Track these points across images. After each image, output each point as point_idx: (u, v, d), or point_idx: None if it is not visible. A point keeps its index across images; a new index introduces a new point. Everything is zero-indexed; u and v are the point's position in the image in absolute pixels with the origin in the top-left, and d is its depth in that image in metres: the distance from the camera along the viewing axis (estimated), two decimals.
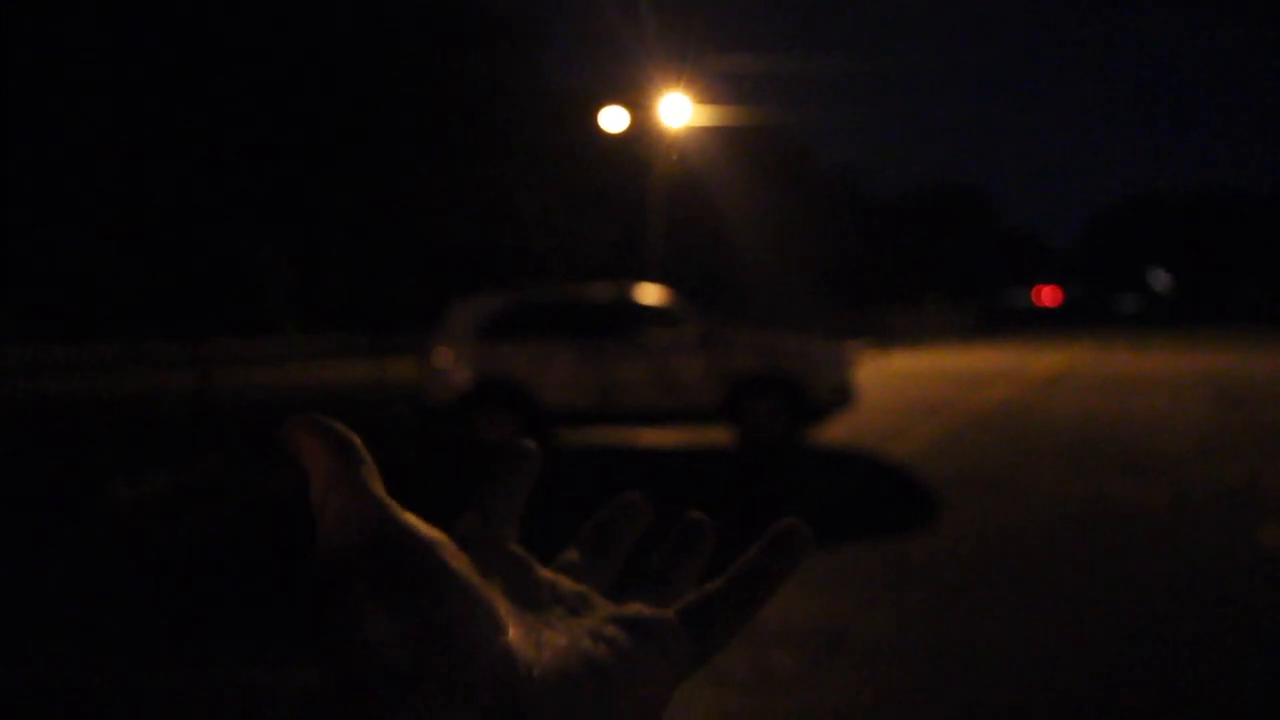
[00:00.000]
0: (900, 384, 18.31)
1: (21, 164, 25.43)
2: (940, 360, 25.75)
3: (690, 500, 0.50)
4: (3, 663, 4.43)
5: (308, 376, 19.30)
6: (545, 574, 0.39)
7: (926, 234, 67.18)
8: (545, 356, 10.43)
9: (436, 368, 10.54)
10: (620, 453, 10.60)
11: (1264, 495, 7.54)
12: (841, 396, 10.23)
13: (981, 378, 19.54)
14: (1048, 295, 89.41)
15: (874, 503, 7.74)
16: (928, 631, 4.63)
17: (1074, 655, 4.26)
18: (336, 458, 0.34)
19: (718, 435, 10.97)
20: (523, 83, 33.97)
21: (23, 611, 5.25)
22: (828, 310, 33.18)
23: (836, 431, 11.14)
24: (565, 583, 0.39)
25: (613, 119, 21.59)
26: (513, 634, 0.32)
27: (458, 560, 0.33)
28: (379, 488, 0.34)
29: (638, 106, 21.01)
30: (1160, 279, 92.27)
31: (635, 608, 0.37)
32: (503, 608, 0.34)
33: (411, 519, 0.34)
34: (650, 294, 10.89)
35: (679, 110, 19.06)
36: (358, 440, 0.35)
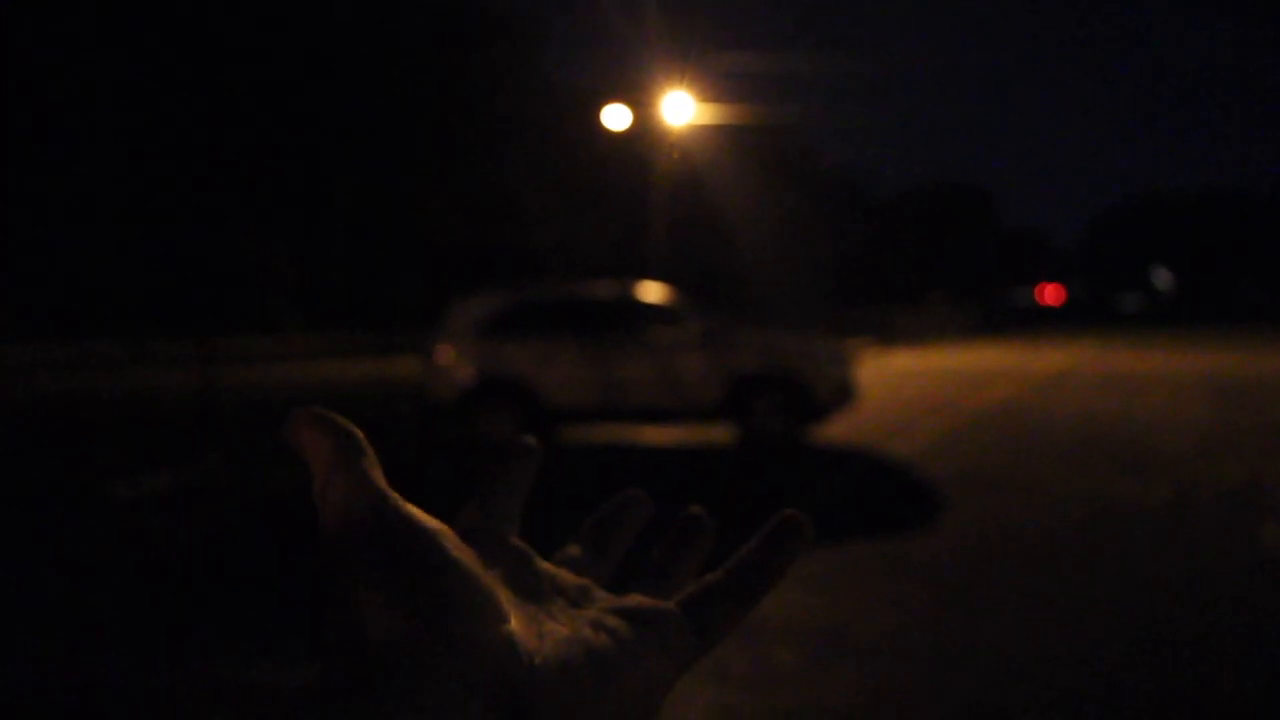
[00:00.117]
0: (901, 383, 18.31)
1: (23, 163, 25.43)
2: (942, 359, 25.75)
3: (691, 498, 0.50)
4: (3, 660, 4.43)
5: (310, 375, 19.31)
6: (546, 567, 0.40)
7: (928, 233, 67.18)
8: (547, 355, 10.44)
9: (438, 366, 10.54)
10: (621, 451, 10.61)
11: (1264, 494, 7.54)
12: (843, 395, 10.23)
13: (983, 377, 19.54)
14: (1050, 294, 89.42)
15: (875, 501, 7.74)
16: (928, 629, 4.63)
17: (1074, 654, 4.26)
18: (337, 448, 0.34)
19: (719, 434, 10.98)
20: (524, 81, 33.96)
21: (23, 609, 5.26)
22: (829, 309, 33.20)
23: (838, 430, 11.15)
24: (566, 575, 0.40)
25: (615, 117, 21.58)
26: (514, 624, 0.32)
27: (460, 551, 0.33)
28: (380, 478, 0.34)
29: (640, 105, 21.00)
30: (1162, 278, 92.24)
31: (636, 599, 0.37)
32: (504, 598, 0.33)
33: (413, 509, 0.34)
34: (652, 292, 10.89)
35: (681, 108, 19.05)
36: (359, 432, 0.35)
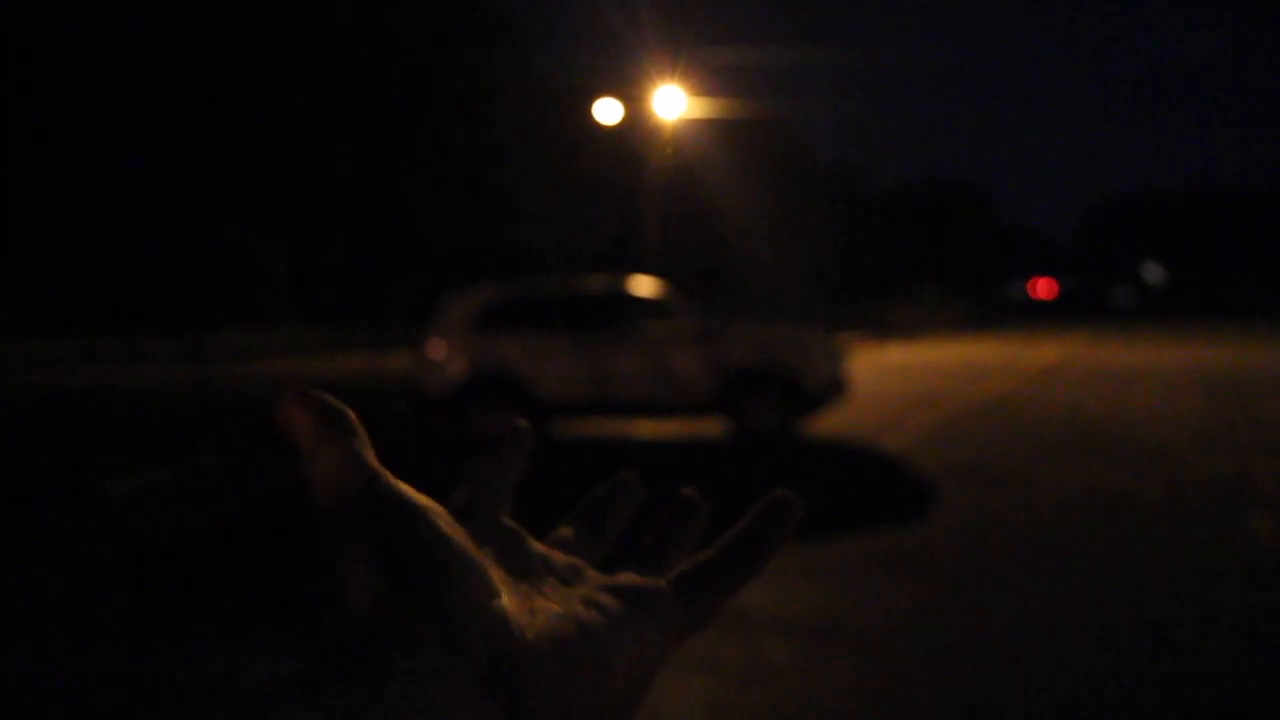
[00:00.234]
0: (895, 376, 18.33)
1: (15, 158, 25.35)
2: (935, 353, 25.78)
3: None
4: (1, 656, 4.43)
5: (305, 370, 19.29)
6: (538, 547, 0.40)
7: (923, 227, 67.21)
8: (540, 348, 10.44)
9: (431, 360, 10.54)
10: (615, 444, 10.62)
11: (1255, 486, 7.57)
12: (835, 389, 10.25)
13: (976, 370, 19.57)
14: (1044, 288, 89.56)
15: (867, 495, 7.75)
16: (921, 622, 4.65)
17: (1067, 646, 4.28)
18: (326, 424, 0.34)
19: (712, 427, 10.99)
20: (518, 75, 33.90)
21: (19, 605, 5.25)
22: (823, 303, 33.21)
23: (830, 424, 11.16)
24: (558, 555, 0.40)
25: (607, 111, 21.55)
26: (506, 600, 0.32)
27: (452, 528, 0.33)
28: (372, 457, 0.34)
29: (632, 99, 20.98)
30: (1153, 273, 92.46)
31: (628, 577, 0.37)
32: (496, 576, 0.34)
33: (405, 487, 0.34)
34: (645, 286, 10.89)
35: (674, 103, 19.04)
36: (350, 412, 0.35)
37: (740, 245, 39.13)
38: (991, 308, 60.29)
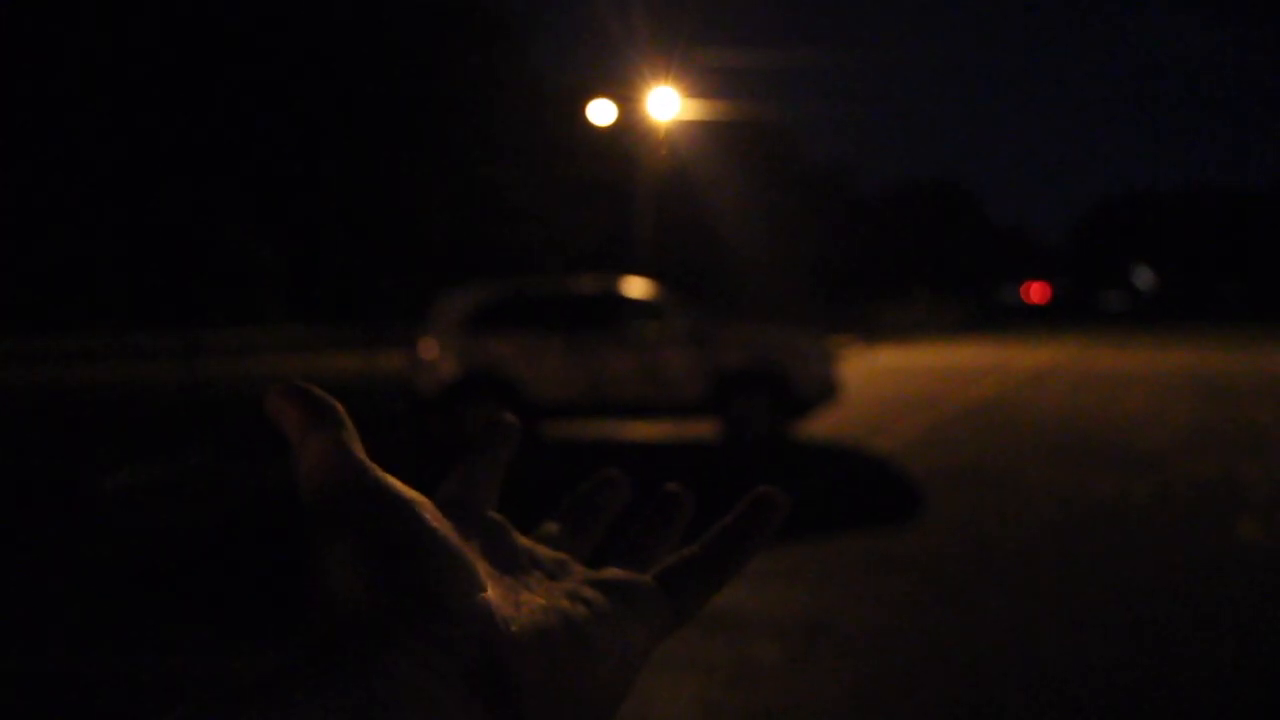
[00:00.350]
0: (886, 379, 18.35)
1: (11, 156, 25.26)
2: (927, 356, 25.81)
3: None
4: None
5: (298, 368, 19.24)
6: (523, 541, 0.40)
7: (915, 229, 67.28)
8: (531, 348, 10.43)
9: (423, 359, 10.52)
10: (605, 445, 10.61)
11: (1243, 489, 7.60)
12: (826, 391, 10.26)
13: (967, 373, 19.60)
14: (1036, 292, 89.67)
15: (858, 497, 7.77)
16: (911, 625, 4.66)
17: (1056, 647, 4.29)
18: (314, 418, 0.34)
19: (703, 429, 10.99)
20: (512, 76, 33.89)
21: (11, 603, 5.24)
22: (815, 305, 33.22)
23: (821, 426, 11.17)
24: (543, 549, 0.40)
25: (601, 112, 21.55)
26: (492, 593, 0.32)
27: (438, 521, 0.33)
28: (359, 449, 0.34)
29: (626, 100, 20.98)
30: (1144, 278, 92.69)
31: (613, 572, 0.38)
32: (482, 568, 0.34)
33: (392, 479, 0.34)
34: (637, 287, 10.90)
35: (667, 104, 19.03)
36: (338, 404, 0.35)
37: (733, 247, 39.13)
38: (984, 311, 60.37)
